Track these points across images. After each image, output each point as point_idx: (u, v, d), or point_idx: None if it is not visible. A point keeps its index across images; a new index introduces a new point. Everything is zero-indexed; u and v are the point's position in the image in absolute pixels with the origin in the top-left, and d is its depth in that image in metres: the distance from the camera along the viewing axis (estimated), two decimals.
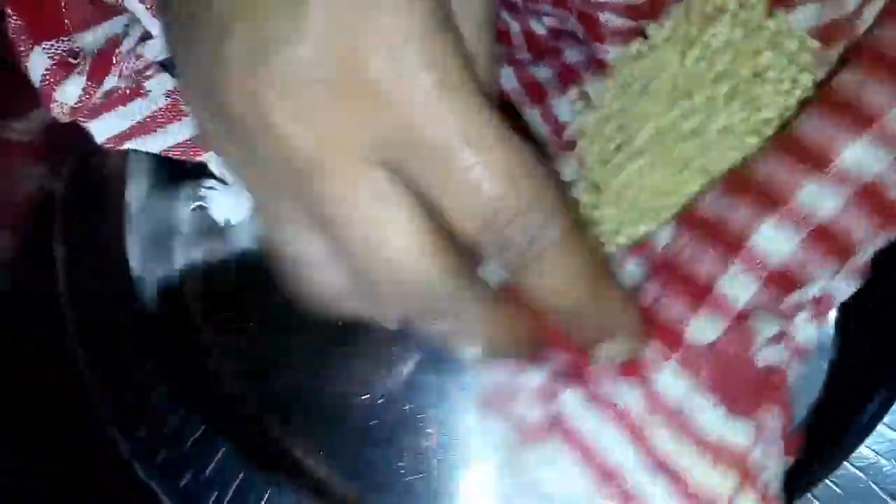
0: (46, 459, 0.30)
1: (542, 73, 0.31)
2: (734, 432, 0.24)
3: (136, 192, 0.34)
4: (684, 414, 0.24)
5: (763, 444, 0.24)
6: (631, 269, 0.27)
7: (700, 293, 0.24)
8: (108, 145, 0.32)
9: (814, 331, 0.25)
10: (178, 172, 0.34)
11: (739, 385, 0.24)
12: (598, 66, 0.30)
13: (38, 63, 0.30)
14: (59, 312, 0.32)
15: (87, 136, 0.32)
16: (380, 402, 0.31)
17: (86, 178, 0.34)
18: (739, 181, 0.25)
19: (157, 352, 0.32)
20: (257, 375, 0.32)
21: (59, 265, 0.33)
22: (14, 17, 0.30)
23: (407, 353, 0.31)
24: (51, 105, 0.31)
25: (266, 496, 0.30)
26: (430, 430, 0.31)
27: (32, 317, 0.32)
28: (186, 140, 0.32)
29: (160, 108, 0.32)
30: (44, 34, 0.30)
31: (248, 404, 0.32)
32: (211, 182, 0.33)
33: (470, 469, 0.31)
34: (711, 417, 0.24)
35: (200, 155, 0.32)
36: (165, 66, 0.33)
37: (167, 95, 0.32)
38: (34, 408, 0.31)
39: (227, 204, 0.33)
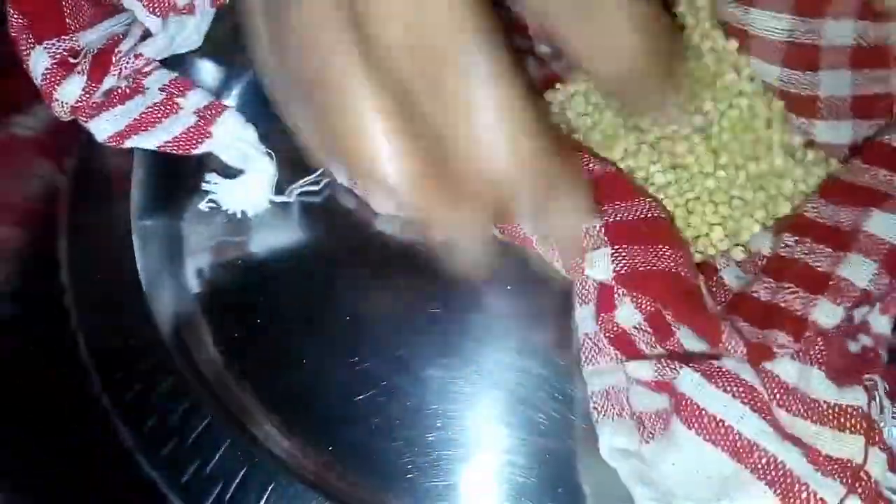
0: (46, 459, 0.30)
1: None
2: (847, 396, 0.25)
3: (141, 188, 0.34)
4: (800, 390, 0.25)
5: (875, 403, 0.25)
6: (731, 279, 0.29)
7: (821, 283, 0.26)
8: (109, 144, 0.33)
9: (887, 323, 0.27)
10: (179, 169, 0.34)
11: (841, 362, 0.26)
12: None
13: (38, 62, 0.31)
14: (63, 310, 0.32)
15: (91, 133, 0.32)
16: (383, 397, 0.31)
17: (90, 175, 0.34)
18: (840, 188, 0.28)
19: (160, 347, 0.32)
20: (260, 371, 0.32)
21: (63, 261, 0.33)
22: (16, 16, 0.31)
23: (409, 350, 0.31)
24: (52, 104, 0.31)
25: (269, 490, 0.29)
26: (434, 425, 0.30)
27: (35, 314, 0.32)
28: (181, 134, 0.32)
29: (155, 103, 0.33)
30: (46, 33, 0.31)
31: (251, 399, 0.31)
32: (213, 176, 0.33)
33: (474, 464, 0.30)
34: (825, 388, 0.25)
35: (196, 148, 0.33)
36: (164, 63, 0.33)
37: (161, 90, 0.33)
38: (34, 407, 0.30)
39: (240, 195, 0.33)
